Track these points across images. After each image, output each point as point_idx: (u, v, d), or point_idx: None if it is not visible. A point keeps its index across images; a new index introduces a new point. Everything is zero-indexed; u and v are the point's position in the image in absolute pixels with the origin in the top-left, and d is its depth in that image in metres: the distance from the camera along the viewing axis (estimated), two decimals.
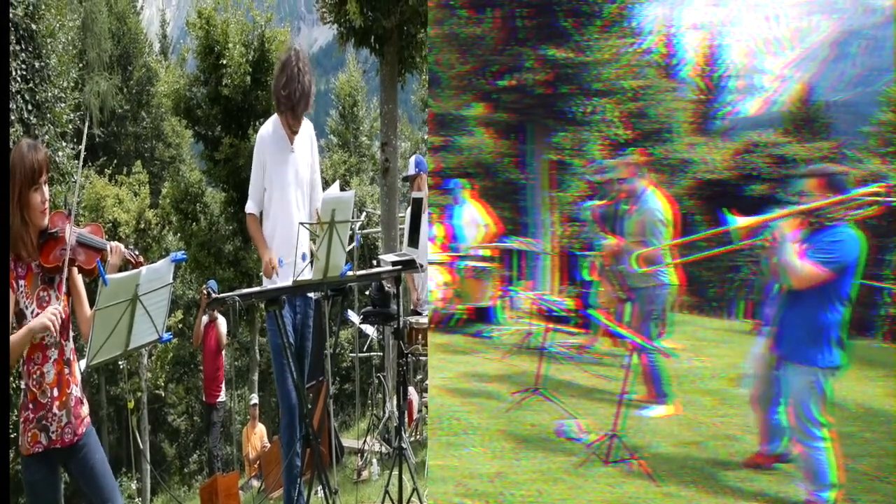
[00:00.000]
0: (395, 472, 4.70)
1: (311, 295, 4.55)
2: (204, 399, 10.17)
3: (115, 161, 24.22)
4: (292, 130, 4.42)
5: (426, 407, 6.96)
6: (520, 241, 7.88)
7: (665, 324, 5.35)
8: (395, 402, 6.07)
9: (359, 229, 7.08)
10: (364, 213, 14.70)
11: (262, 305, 4.40)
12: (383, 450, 7.30)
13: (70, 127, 13.35)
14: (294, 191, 4.41)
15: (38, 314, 3.03)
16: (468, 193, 7.77)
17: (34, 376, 3.07)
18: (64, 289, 3.09)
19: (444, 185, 7.80)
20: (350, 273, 4.08)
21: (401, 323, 5.24)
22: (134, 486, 15.96)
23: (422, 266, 5.27)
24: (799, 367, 3.76)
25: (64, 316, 3.09)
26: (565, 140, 9.32)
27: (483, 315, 7.51)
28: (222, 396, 10.01)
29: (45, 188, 3.08)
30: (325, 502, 4.19)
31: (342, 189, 4.32)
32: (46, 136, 12.38)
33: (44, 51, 12.60)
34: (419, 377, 7.53)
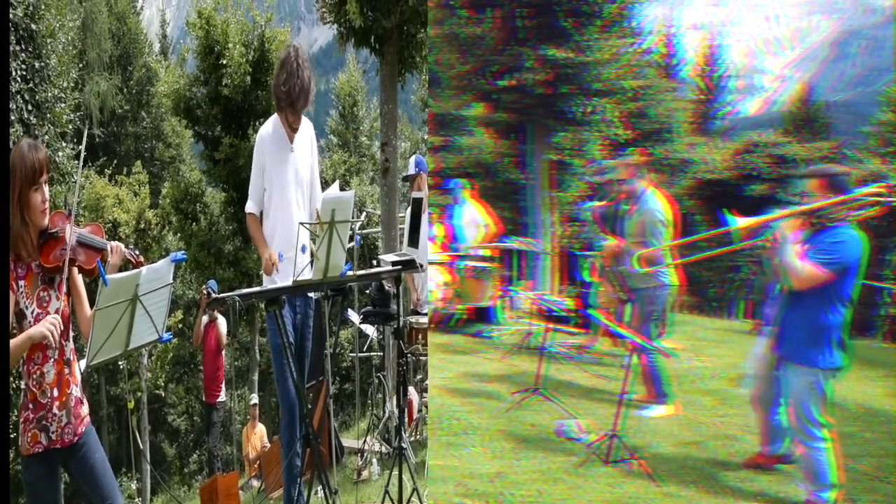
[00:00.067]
0: (395, 472, 4.70)
1: (311, 295, 4.55)
2: (204, 399, 10.17)
3: (115, 161, 24.23)
4: (292, 128, 4.42)
5: (426, 407, 6.96)
6: (520, 241, 7.88)
7: (665, 324, 5.35)
8: (395, 401, 6.08)
9: (359, 229, 7.09)
10: (364, 213, 14.70)
11: (262, 305, 4.40)
12: (383, 450, 7.30)
13: (70, 127, 13.35)
14: (294, 190, 4.42)
15: (38, 314, 3.03)
16: (468, 193, 7.77)
17: (34, 376, 3.07)
18: (64, 289, 3.09)
19: (444, 185, 7.80)
20: (350, 273, 4.08)
21: (401, 323, 5.24)
22: (134, 486, 15.95)
23: (422, 266, 5.27)
24: (799, 367, 3.76)
25: (63, 316, 3.09)
26: (565, 140, 9.32)
27: (483, 315, 7.50)
28: (222, 396, 10.01)
29: (46, 188, 3.08)
30: (325, 502, 4.19)
31: (342, 189, 4.33)
32: (46, 137, 12.38)
33: (44, 51, 12.60)
34: (419, 377, 7.52)
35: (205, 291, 9.54)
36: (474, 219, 7.64)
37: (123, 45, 28.49)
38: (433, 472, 4.33)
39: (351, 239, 3.94)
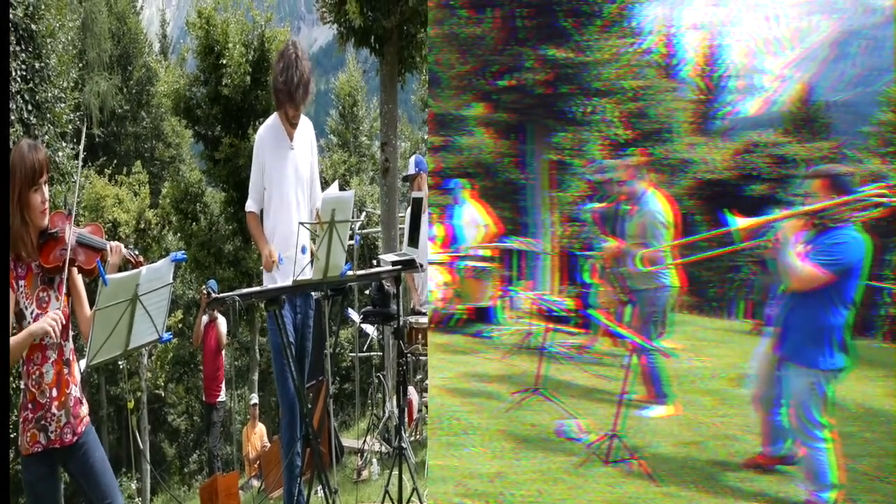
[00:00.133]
0: (395, 472, 4.70)
1: (312, 294, 4.56)
2: (204, 399, 10.17)
3: (115, 161, 24.22)
4: (291, 124, 4.42)
5: (426, 406, 6.96)
6: (520, 241, 7.88)
7: (665, 325, 5.34)
8: (394, 401, 6.08)
9: (359, 229, 7.10)
10: (364, 213, 14.70)
11: (262, 305, 4.40)
12: (383, 449, 7.30)
13: (70, 127, 13.34)
14: (294, 189, 4.42)
15: (37, 314, 3.03)
16: (468, 193, 7.77)
17: (33, 376, 3.08)
18: (64, 289, 3.09)
19: (444, 185, 7.79)
20: (350, 273, 4.08)
21: (400, 322, 5.24)
22: (134, 485, 15.96)
23: (422, 266, 5.27)
24: (800, 368, 3.75)
25: (64, 318, 3.09)
26: (565, 140, 9.31)
27: (483, 315, 7.50)
28: (222, 396, 10.02)
29: (45, 188, 3.08)
30: (325, 502, 4.19)
31: (341, 189, 4.33)
32: (46, 137, 12.38)
33: (44, 51, 12.59)
34: (419, 377, 7.53)
35: (205, 291, 9.55)
36: (474, 219, 7.64)
37: (123, 45, 28.49)
38: (433, 472, 4.33)
39: (351, 237, 3.94)
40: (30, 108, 12.20)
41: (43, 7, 12.63)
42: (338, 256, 3.87)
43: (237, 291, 3.77)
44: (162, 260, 3.10)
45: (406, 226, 6.12)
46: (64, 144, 12.96)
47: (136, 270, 2.95)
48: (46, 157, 3.09)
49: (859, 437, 4.66)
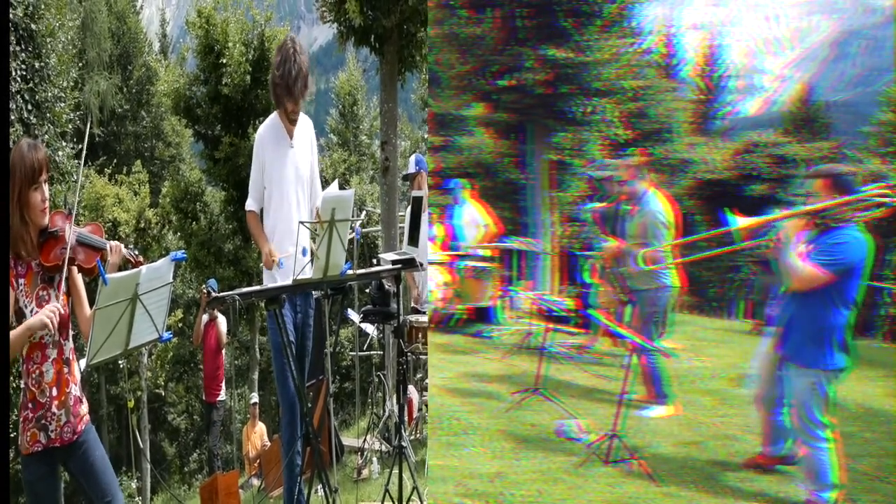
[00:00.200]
0: (395, 471, 4.70)
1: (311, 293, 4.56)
2: (204, 398, 10.18)
3: (115, 160, 24.24)
4: (290, 120, 4.42)
5: (426, 405, 6.96)
6: (520, 241, 7.87)
7: (665, 325, 5.34)
8: (394, 400, 6.08)
9: (359, 227, 7.11)
10: (364, 212, 14.70)
11: (263, 304, 4.41)
12: (383, 448, 7.30)
13: (70, 127, 13.35)
14: (294, 188, 4.42)
15: (37, 313, 3.03)
16: (468, 193, 7.76)
17: (33, 375, 3.08)
18: (63, 288, 3.10)
19: (444, 185, 7.79)
20: (350, 272, 4.08)
21: (400, 321, 5.24)
22: (134, 485, 15.96)
23: (422, 265, 5.27)
24: (801, 368, 3.75)
25: (63, 314, 3.09)
26: (565, 140, 9.30)
27: (483, 315, 7.50)
28: (222, 395, 10.02)
29: (45, 187, 3.08)
30: (326, 501, 4.19)
31: (341, 188, 4.33)
32: (46, 136, 12.39)
33: (43, 51, 12.60)
34: (419, 376, 7.53)
35: (205, 290, 9.55)
36: (474, 219, 7.64)
37: (123, 45, 28.50)
38: (433, 472, 4.33)
39: (351, 230, 3.94)
40: (30, 107, 12.20)
41: (43, 7, 12.63)
42: (338, 255, 3.87)
43: (237, 290, 3.78)
44: (162, 259, 3.10)
45: (406, 225, 6.12)
46: (64, 144, 12.97)
47: (136, 270, 2.95)
48: (46, 156, 3.10)
49: (859, 437, 4.65)
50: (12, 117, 11.54)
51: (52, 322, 2.93)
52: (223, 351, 9.95)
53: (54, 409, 3.10)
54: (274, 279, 4.30)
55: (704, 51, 10.00)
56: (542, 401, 5.17)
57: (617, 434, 4.37)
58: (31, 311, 3.04)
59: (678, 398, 5.23)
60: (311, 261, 4.00)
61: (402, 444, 4.68)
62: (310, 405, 5.14)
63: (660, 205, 5.25)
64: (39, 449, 3.08)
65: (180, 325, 22.22)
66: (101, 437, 3.44)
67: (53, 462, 3.15)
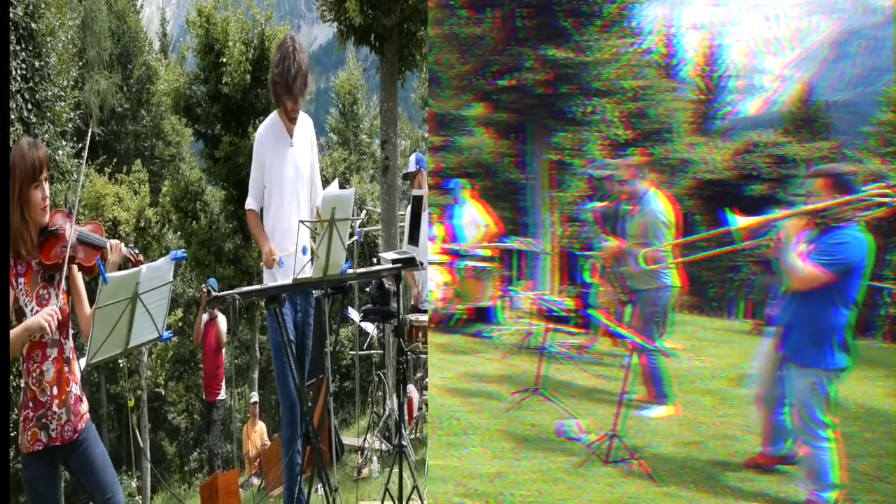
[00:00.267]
0: (396, 470, 4.70)
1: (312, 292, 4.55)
2: (204, 397, 10.18)
3: (115, 159, 24.24)
4: (290, 119, 4.42)
5: (426, 404, 6.96)
6: (520, 241, 7.87)
7: (665, 325, 5.34)
8: (395, 399, 6.08)
9: (359, 227, 7.10)
10: (364, 211, 14.70)
11: (263, 303, 4.41)
12: (383, 447, 7.30)
13: (70, 126, 13.35)
14: (294, 186, 4.42)
15: (37, 312, 3.03)
16: (468, 193, 7.76)
17: (34, 375, 3.08)
18: (63, 286, 3.10)
19: (444, 184, 7.79)
20: (350, 271, 4.08)
21: (401, 320, 5.24)
22: (134, 484, 15.98)
23: (422, 264, 5.27)
24: (802, 368, 3.75)
25: (62, 314, 3.09)
26: (565, 140, 9.29)
27: (483, 315, 7.50)
28: (222, 394, 10.02)
29: (46, 185, 3.09)
30: (326, 500, 4.20)
31: (342, 187, 4.33)
32: (46, 135, 12.39)
33: (44, 50, 12.60)
34: (419, 375, 7.53)
35: (205, 290, 9.54)
36: (474, 219, 7.64)
37: (123, 44, 28.49)
38: (433, 472, 4.33)
39: (352, 235, 3.95)
40: (30, 106, 12.20)
41: (43, 6, 12.63)
42: (338, 254, 3.88)
43: (237, 290, 3.78)
44: (162, 258, 3.10)
45: (406, 224, 6.12)
46: (64, 143, 12.97)
47: (136, 269, 2.95)
48: (46, 155, 3.10)
49: (859, 437, 4.65)
50: (12, 116, 11.54)
51: (49, 324, 2.93)
52: (223, 350, 9.95)
53: (55, 408, 3.10)
54: (274, 278, 4.30)
55: (704, 51, 9.99)
56: (542, 401, 5.17)
57: (617, 434, 4.37)
58: (32, 310, 3.04)
59: (678, 398, 5.24)
60: (312, 260, 4.00)
61: (403, 443, 4.68)
62: (310, 404, 5.14)
63: (661, 204, 5.25)
64: (40, 448, 3.08)
65: (180, 324, 22.22)
66: (101, 437, 3.44)
67: (54, 461, 3.15)
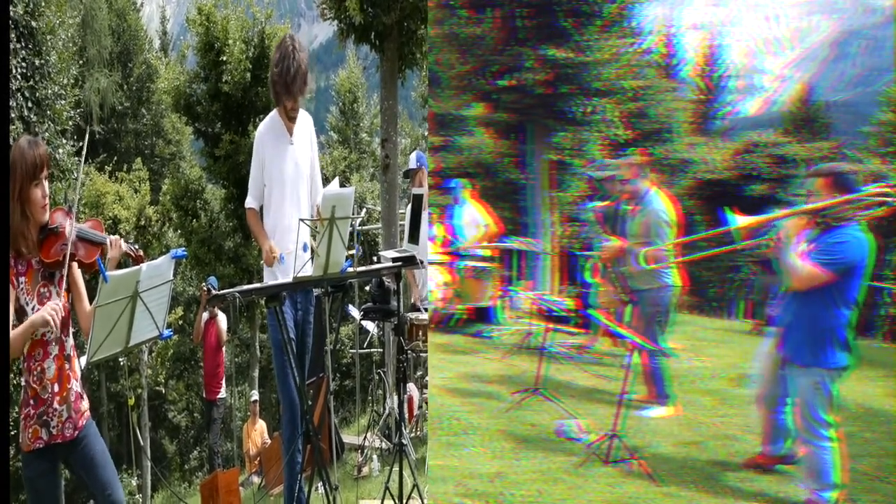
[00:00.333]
0: (396, 469, 4.70)
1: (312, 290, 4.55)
2: (204, 395, 10.19)
3: (116, 158, 24.25)
4: (290, 118, 4.42)
5: (426, 403, 6.96)
6: (520, 241, 7.87)
7: (667, 325, 5.34)
8: (395, 398, 6.08)
9: (359, 226, 7.09)
10: (364, 210, 14.70)
11: (263, 302, 4.41)
12: (384, 446, 7.31)
13: (70, 124, 13.34)
14: (294, 185, 4.42)
15: (38, 310, 3.03)
16: (468, 193, 7.76)
17: (35, 373, 3.08)
18: (64, 284, 3.10)
19: (445, 184, 7.79)
20: (350, 269, 4.08)
21: (401, 319, 5.24)
22: (134, 482, 15.99)
23: (422, 262, 5.27)
24: (804, 368, 3.75)
25: (64, 311, 3.09)
26: (565, 140, 9.29)
27: (483, 315, 7.50)
28: (223, 393, 10.02)
29: (46, 184, 3.09)
30: (326, 498, 4.20)
31: (342, 185, 4.34)
32: (47, 134, 12.38)
33: (44, 48, 12.59)
34: (419, 373, 7.53)
35: (205, 288, 9.53)
36: (474, 219, 7.64)
37: (123, 42, 28.49)
38: (433, 472, 4.33)
39: (351, 247, 3.95)
40: (30, 105, 12.19)
41: (43, 4, 12.62)
42: (338, 253, 3.87)
43: (237, 288, 3.78)
44: (162, 257, 3.10)
45: (406, 222, 6.12)
46: (64, 141, 12.96)
47: (136, 267, 2.96)
48: (46, 153, 3.10)
49: (859, 437, 4.65)
50: (12, 115, 11.54)
51: (53, 320, 2.93)
52: (223, 348, 9.95)
53: (56, 406, 3.10)
54: (274, 276, 4.30)
55: (704, 51, 9.99)
56: (542, 401, 5.17)
57: (617, 434, 4.37)
58: (33, 309, 3.04)
59: (678, 398, 5.24)
60: (312, 258, 4.00)
61: (403, 441, 4.68)
62: (310, 403, 5.14)
63: (662, 204, 5.25)
64: (41, 445, 3.08)
65: (180, 322, 22.23)
66: (101, 435, 3.44)
67: (55, 458, 3.15)
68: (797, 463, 3.99)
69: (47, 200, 3.11)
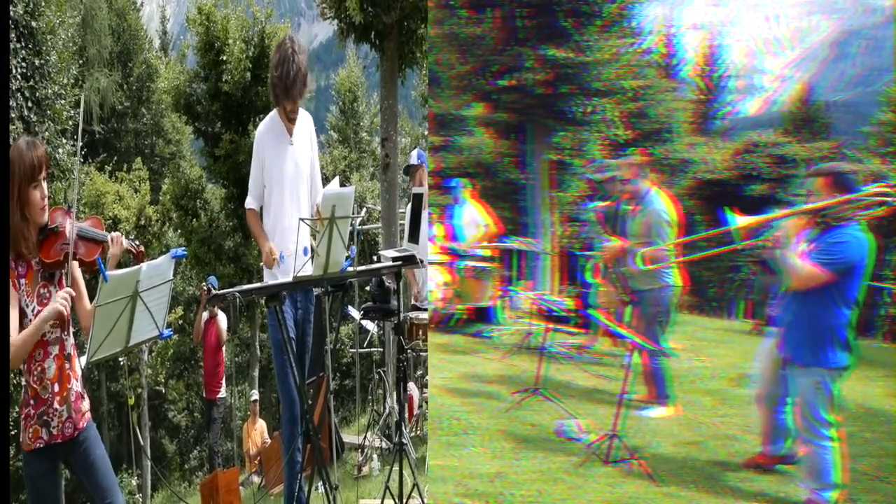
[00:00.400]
0: (396, 468, 4.70)
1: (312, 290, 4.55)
2: (204, 395, 10.18)
3: (116, 158, 24.25)
4: (289, 119, 4.42)
5: (426, 402, 6.96)
6: (520, 241, 7.87)
7: (667, 325, 5.34)
8: (395, 397, 6.08)
9: (359, 225, 7.09)
10: (364, 209, 14.70)
11: (263, 301, 4.41)
12: (384, 445, 7.31)
13: (70, 124, 13.34)
14: (294, 185, 4.42)
15: (38, 311, 3.03)
16: (468, 193, 7.76)
17: (35, 372, 3.08)
18: (66, 283, 3.10)
19: (445, 184, 7.79)
20: (350, 269, 4.07)
21: (401, 318, 5.24)
22: (134, 482, 15.97)
23: (422, 261, 5.27)
24: (804, 368, 3.75)
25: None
26: (565, 140, 9.30)
27: (483, 315, 7.50)
28: (223, 392, 10.02)
29: (45, 185, 3.09)
30: (326, 498, 4.20)
31: (342, 185, 4.33)
32: (46, 133, 12.38)
33: (44, 48, 12.60)
34: (419, 373, 7.53)
35: (205, 288, 9.53)
36: (474, 219, 7.64)
37: (123, 42, 28.48)
38: (433, 472, 4.33)
39: (348, 249, 3.95)
40: (30, 104, 12.19)
41: (43, 4, 12.63)
42: (338, 252, 3.87)
43: (237, 288, 3.77)
44: (162, 256, 3.10)
45: (406, 222, 6.12)
46: (64, 141, 12.96)
47: (136, 267, 2.96)
48: (45, 154, 3.10)
49: (859, 437, 4.65)
50: (12, 114, 11.54)
51: (65, 307, 2.94)
52: (223, 348, 9.95)
53: (56, 405, 3.10)
54: (274, 277, 4.30)
55: (704, 51, 10.00)
56: (542, 401, 5.17)
57: (617, 434, 4.37)
58: (33, 311, 3.04)
59: (678, 398, 5.24)
60: (312, 258, 4.00)
61: (403, 440, 4.68)
62: (310, 402, 5.14)
63: (663, 204, 5.25)
64: (41, 445, 3.08)
65: (181, 322, 22.24)
66: (101, 435, 3.45)
67: (55, 458, 3.15)
68: (797, 463, 3.99)
69: (46, 202, 3.10)
